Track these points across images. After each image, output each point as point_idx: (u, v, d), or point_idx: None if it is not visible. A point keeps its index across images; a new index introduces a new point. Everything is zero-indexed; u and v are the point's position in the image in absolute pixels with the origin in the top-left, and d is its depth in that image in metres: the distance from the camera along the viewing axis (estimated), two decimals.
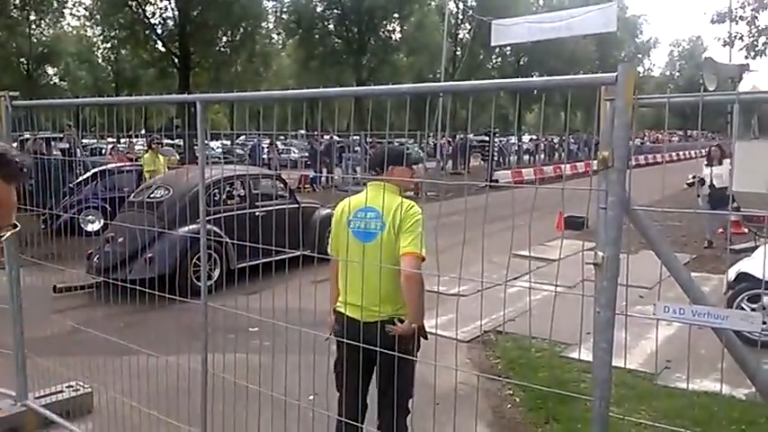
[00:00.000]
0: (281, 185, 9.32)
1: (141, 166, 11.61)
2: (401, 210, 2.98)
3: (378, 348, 2.72)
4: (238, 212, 6.75)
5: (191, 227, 7.04)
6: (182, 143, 25.28)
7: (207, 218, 3.20)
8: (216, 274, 7.34)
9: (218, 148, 25.81)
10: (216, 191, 7.92)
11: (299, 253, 3.23)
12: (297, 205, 8.14)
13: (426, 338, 3.13)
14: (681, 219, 12.04)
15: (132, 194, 8.66)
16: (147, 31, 27.45)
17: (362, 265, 2.93)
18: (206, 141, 3.42)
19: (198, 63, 27.66)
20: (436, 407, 3.05)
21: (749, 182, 8.19)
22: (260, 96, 3.15)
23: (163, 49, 28.04)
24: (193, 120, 3.08)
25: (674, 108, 1.89)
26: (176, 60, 27.22)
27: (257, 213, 7.45)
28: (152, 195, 8.28)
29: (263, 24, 31.74)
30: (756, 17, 14.68)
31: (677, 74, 72.60)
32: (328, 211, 8.74)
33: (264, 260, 3.33)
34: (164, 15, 28.06)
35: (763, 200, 7.44)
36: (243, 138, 29.08)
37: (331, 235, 3.24)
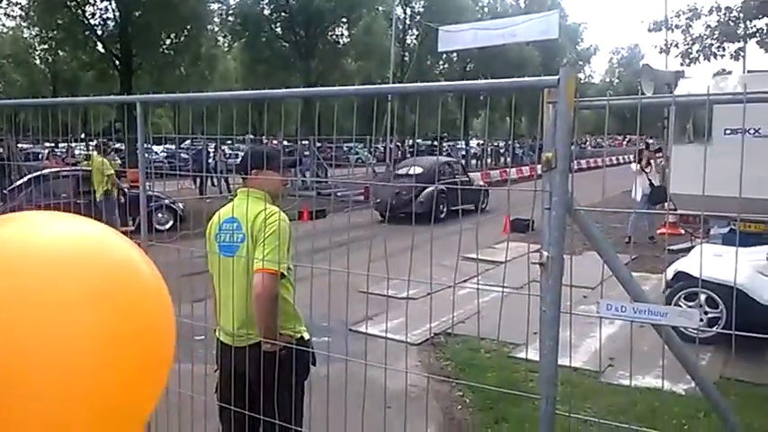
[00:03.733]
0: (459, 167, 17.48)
1: (79, 171, 11.26)
2: (260, 218, 2.70)
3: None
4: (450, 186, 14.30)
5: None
6: (123, 147, 24.55)
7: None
8: None
9: (162, 152, 25.15)
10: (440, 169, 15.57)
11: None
12: (468, 179, 16.45)
13: (315, 365, 2.90)
14: (621, 221, 12.45)
15: (399, 170, 16.12)
16: (86, 32, 26.47)
17: (232, 282, 2.71)
18: (148, 145, 3.32)
19: (140, 65, 26.82)
20: (387, 410, 3.03)
21: (685, 184, 8.54)
22: (203, 97, 3.06)
23: (103, 51, 27.13)
24: (135, 123, 2.98)
25: (614, 112, 1.94)
26: (117, 62, 26.39)
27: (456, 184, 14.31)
28: (409, 172, 14.61)
29: (209, 27, 31.13)
30: (690, 26, 15.25)
31: (616, 80, 75.02)
32: (480, 182, 19.04)
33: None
34: (104, 16, 27.16)
35: (698, 201, 7.75)
36: (188, 142, 28.46)
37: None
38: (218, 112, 3.04)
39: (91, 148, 11.93)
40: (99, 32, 26.90)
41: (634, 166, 12.06)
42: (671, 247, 10.54)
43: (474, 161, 35.91)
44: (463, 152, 36.20)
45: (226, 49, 39.26)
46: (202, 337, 4.07)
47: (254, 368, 2.66)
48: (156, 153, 23.24)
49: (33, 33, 33.48)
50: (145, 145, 3.10)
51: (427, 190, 13.36)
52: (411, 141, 31.87)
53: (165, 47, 27.55)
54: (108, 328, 0.59)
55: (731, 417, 2.25)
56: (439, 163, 16.46)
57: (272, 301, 2.63)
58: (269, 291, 2.61)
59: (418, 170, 15.15)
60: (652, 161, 11.86)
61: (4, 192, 10.44)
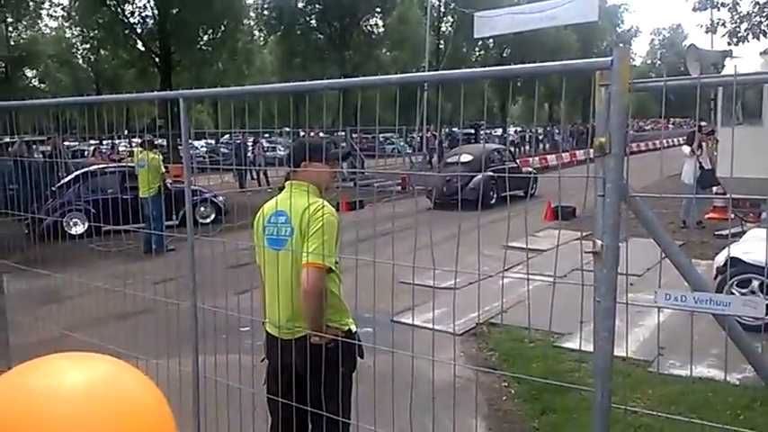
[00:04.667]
0: (509, 154, 18.03)
1: (125, 167, 11.45)
2: (308, 212, 2.68)
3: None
4: (499, 174, 14.18)
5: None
6: (165, 143, 25.03)
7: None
8: None
9: (202, 147, 25.56)
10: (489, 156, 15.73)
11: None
12: (517, 165, 16.60)
13: (363, 357, 2.87)
14: (668, 206, 12.12)
15: (449, 158, 17.23)
16: (126, 31, 27.04)
17: (279, 275, 2.71)
18: (190, 140, 3.35)
19: (179, 62, 27.30)
20: (432, 401, 3.01)
21: (734, 167, 8.25)
22: (243, 91, 3.06)
23: (143, 49, 27.68)
24: (176, 119, 3.01)
25: (658, 95, 1.85)
26: (157, 60, 26.89)
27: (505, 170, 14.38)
28: (460, 160, 15.25)
29: (245, 21, 31.42)
30: (738, 3, 14.69)
31: (658, 62, 73.02)
32: (530, 168, 18.69)
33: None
34: (143, 14, 27.72)
35: (747, 185, 7.46)
36: (227, 136, 28.81)
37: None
38: (259, 105, 3.04)
39: (134, 144, 12.10)
40: (138, 30, 27.45)
41: (686, 149, 11.62)
42: (720, 233, 10.22)
43: (512, 148, 35.44)
44: (502, 140, 35.76)
45: (261, 43, 39.55)
46: (248, 328, 4.12)
47: (302, 360, 2.66)
48: (197, 148, 23.65)
49: (75, 33, 34.38)
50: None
51: (477, 177, 13.68)
52: (447, 130, 31.62)
53: (202, 43, 27.94)
54: None
55: None
56: (488, 150, 16.84)
57: (319, 297, 2.63)
58: (314, 286, 2.60)
59: (468, 158, 15.56)
60: (703, 144, 11.42)
61: (53, 189, 10.76)
